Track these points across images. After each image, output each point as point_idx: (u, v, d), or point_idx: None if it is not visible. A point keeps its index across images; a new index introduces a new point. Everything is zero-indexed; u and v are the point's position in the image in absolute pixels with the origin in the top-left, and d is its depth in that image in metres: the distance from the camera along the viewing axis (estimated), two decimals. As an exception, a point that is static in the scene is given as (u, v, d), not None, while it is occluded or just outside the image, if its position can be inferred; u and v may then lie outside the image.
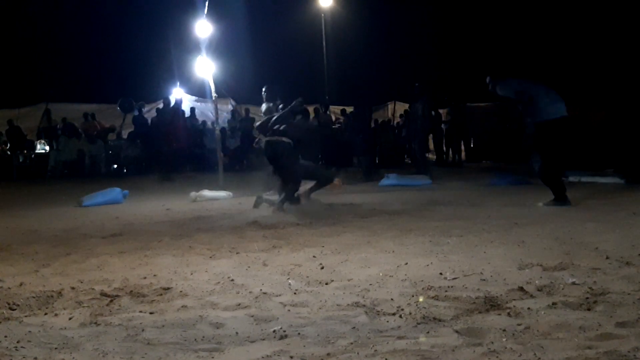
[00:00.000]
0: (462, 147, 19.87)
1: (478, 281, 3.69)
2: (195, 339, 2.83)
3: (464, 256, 4.42)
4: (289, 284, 3.79)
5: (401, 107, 21.53)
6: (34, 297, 3.63)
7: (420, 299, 3.33)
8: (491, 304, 3.20)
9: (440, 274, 3.89)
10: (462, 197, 8.82)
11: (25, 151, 18.54)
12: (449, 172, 14.38)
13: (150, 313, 3.27)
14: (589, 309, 3.07)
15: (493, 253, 4.50)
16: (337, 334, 2.83)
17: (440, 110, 19.99)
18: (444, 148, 19.39)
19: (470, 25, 22.67)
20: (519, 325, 2.84)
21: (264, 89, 8.98)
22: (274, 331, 2.89)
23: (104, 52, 23.98)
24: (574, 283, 3.55)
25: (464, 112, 19.26)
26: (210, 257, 4.78)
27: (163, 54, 21.36)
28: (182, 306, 3.37)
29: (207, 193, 9.54)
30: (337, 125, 20.61)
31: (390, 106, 23.36)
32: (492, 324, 2.88)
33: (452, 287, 3.57)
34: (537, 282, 3.60)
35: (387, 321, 3.00)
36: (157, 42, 22.49)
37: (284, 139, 7.70)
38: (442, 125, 19.34)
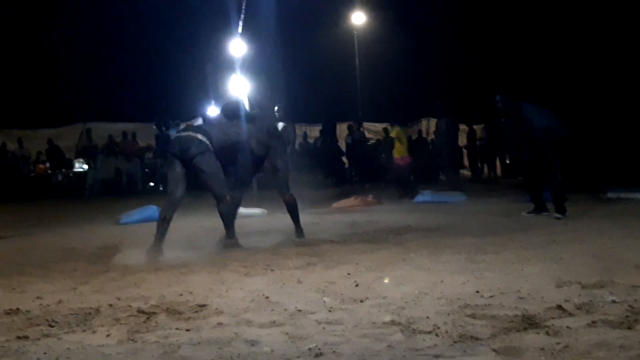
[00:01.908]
0: (498, 163, 19.72)
1: (515, 299, 3.64)
2: (231, 357, 2.83)
3: (501, 274, 4.37)
4: (324, 302, 3.78)
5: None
6: (72, 314, 3.68)
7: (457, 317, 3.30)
8: (529, 323, 3.15)
9: (477, 291, 3.85)
10: (498, 213, 8.74)
11: (64, 170, 18.88)
12: (484, 189, 14.27)
13: (187, 330, 3.28)
14: (629, 328, 3.00)
15: (530, 270, 4.43)
16: (373, 352, 2.81)
17: (475, 127, 19.90)
18: (479, 164, 19.25)
19: (505, 41, 22.51)
20: (557, 344, 2.79)
21: (276, 108, 8.91)
22: (309, 349, 2.88)
23: (140, 72, 24.35)
24: (613, 301, 3.48)
25: (500, 128, 19.12)
26: (245, 274, 4.80)
27: (198, 73, 21.61)
28: (218, 323, 3.38)
29: (241, 210, 9.57)
30: (370, 142, 20.64)
31: (424, 122, 23.30)
32: (530, 342, 2.83)
33: (489, 305, 3.53)
34: (575, 300, 3.54)
35: (423, 339, 2.97)
36: (193, 61, 22.76)
37: (199, 135, 6.21)
38: (477, 142, 19.24)
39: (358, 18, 24.39)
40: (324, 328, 3.24)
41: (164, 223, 6.17)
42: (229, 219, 6.49)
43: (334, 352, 2.84)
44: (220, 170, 6.27)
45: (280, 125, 7.26)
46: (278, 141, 6.91)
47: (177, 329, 3.33)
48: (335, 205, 11.12)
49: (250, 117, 6.69)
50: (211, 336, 3.16)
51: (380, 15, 24.79)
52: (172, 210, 6.23)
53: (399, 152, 13.05)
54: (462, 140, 19.04)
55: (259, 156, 6.73)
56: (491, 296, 3.72)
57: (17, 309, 3.87)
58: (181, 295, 4.12)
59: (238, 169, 6.62)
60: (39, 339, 3.20)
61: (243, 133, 6.51)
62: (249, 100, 11.96)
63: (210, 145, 6.21)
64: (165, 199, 6.33)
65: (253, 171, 7.03)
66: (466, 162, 19.29)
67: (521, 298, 3.66)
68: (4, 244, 7.68)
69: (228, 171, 6.45)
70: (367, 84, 24.65)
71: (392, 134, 13.30)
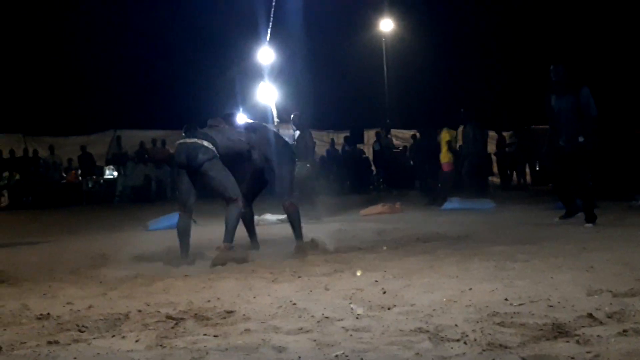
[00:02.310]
0: (527, 170, 19.54)
1: (545, 307, 3.59)
2: (258, 363, 2.84)
3: (530, 282, 4.32)
4: (351, 309, 3.77)
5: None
6: (102, 320, 3.71)
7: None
8: (559, 331, 3.12)
9: (506, 299, 3.81)
10: (527, 220, 8.65)
11: (95, 177, 19.13)
12: (514, 196, 14.14)
13: (214, 336, 3.30)
14: (662, 337, 2.95)
15: (560, 279, 4.38)
16: (400, 360, 2.80)
17: (504, 133, 19.76)
18: (509, 171, 19.10)
19: (536, 46, 22.34)
20: (588, 353, 2.75)
21: (292, 116, 8.73)
22: (336, 356, 2.88)
23: (170, 80, 24.60)
24: (645, 310, 3.43)
25: (529, 134, 18.96)
26: (273, 281, 4.81)
27: (227, 81, 21.79)
28: (245, 330, 3.39)
29: (269, 217, 9.61)
30: (398, 149, 20.60)
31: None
32: (560, 351, 2.80)
33: (518, 313, 3.49)
34: (607, 308, 3.49)
35: (452, 347, 2.95)
36: (221, 68, 22.96)
37: (205, 143, 6.05)
38: (507, 149, 19.10)
39: (386, 25, 24.41)
40: (351, 335, 3.23)
41: (182, 233, 6.15)
42: (233, 225, 6.07)
43: (361, 359, 2.83)
44: (229, 173, 6.06)
45: (297, 133, 7.06)
46: (284, 151, 6.70)
47: (205, 334, 3.34)
48: (362, 212, 11.10)
49: (252, 128, 6.57)
50: (239, 342, 3.17)
51: (409, 22, 24.79)
52: (188, 220, 6.21)
53: (448, 158, 12.90)
54: (491, 147, 18.92)
55: (261, 168, 6.55)
56: (521, 304, 3.68)
57: (48, 314, 3.92)
58: (209, 301, 4.13)
59: (241, 179, 6.40)
60: (69, 344, 3.24)
61: (246, 142, 6.37)
62: (277, 108, 12.05)
63: (216, 151, 6.04)
64: (179, 210, 6.27)
65: (257, 183, 6.75)
66: (495, 169, 19.14)
67: (551, 306, 3.61)
68: (35, 249, 7.79)
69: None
70: (395, 91, 24.63)
71: (445, 139, 13.14)
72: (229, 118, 6.54)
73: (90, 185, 18.95)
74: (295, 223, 6.68)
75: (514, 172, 19.36)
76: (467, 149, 13.31)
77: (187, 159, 6.01)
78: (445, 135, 13.01)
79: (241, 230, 6.78)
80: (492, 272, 4.75)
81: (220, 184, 6.02)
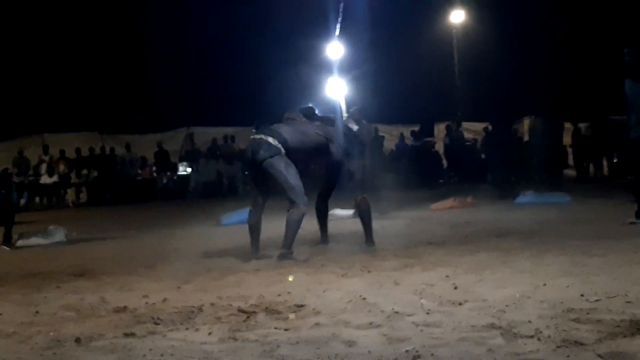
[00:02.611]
0: (605, 163, 18.93)
1: (623, 303, 3.48)
2: (329, 357, 2.85)
3: (607, 277, 4.19)
4: (422, 304, 3.75)
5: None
6: (176, 313, 3.81)
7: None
8: (637, 328, 3.01)
9: (582, 295, 3.70)
10: (604, 214, 8.38)
11: (169, 173, 19.58)
12: (591, 189, 13.73)
13: (285, 330, 3.33)
14: None
15: (638, 274, 4.23)
16: (472, 356, 2.76)
17: (580, 125, 19.20)
18: (585, 164, 18.54)
19: (614, 31, 21.59)
20: (668, 351, 2.66)
21: (350, 110, 8.65)
22: (407, 351, 2.86)
23: (240, 77, 24.91)
24: None
25: (607, 125, 18.33)
26: (342, 276, 4.82)
27: (296, 76, 21.94)
28: (316, 324, 3.41)
29: (338, 212, 9.61)
30: (469, 142, 20.33)
31: (527, 121, 22.65)
32: (639, 348, 2.71)
33: (594, 309, 3.39)
34: (688, 305, 3.35)
35: (525, 344, 2.89)
36: (291, 64, 23.11)
37: (270, 139, 5.88)
38: (583, 140, 18.55)
39: (457, 16, 24.09)
40: (421, 330, 3.21)
41: (253, 229, 6.20)
42: (293, 230, 5.90)
43: (432, 354, 2.80)
44: (292, 175, 5.85)
45: (355, 127, 6.96)
46: (355, 144, 6.62)
47: (276, 328, 3.38)
48: (433, 206, 10.98)
49: (328, 122, 6.48)
50: (309, 336, 3.19)
51: (479, 12, 24.36)
52: (258, 215, 6.21)
53: None
54: (567, 139, 18.40)
55: (337, 162, 6.41)
56: (597, 300, 3.58)
57: (125, 307, 4.05)
58: (280, 295, 4.18)
59: (317, 174, 6.33)
60: (145, 336, 3.33)
61: (323, 135, 6.25)
62: (346, 102, 12.04)
63: (282, 148, 5.85)
64: (250, 205, 6.31)
65: (333, 178, 6.62)
66: (571, 161, 18.62)
67: (629, 302, 3.50)
68: (112, 244, 8.05)
69: (307, 173, 6.11)
70: (465, 83, 24.25)
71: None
72: (305, 112, 6.51)
73: (164, 182, 19.41)
74: (365, 220, 6.53)
75: (591, 165, 18.79)
76: (536, 141, 13.03)
77: (252, 154, 5.96)
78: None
79: (310, 225, 6.81)
80: (567, 268, 4.64)
81: (282, 182, 5.83)
